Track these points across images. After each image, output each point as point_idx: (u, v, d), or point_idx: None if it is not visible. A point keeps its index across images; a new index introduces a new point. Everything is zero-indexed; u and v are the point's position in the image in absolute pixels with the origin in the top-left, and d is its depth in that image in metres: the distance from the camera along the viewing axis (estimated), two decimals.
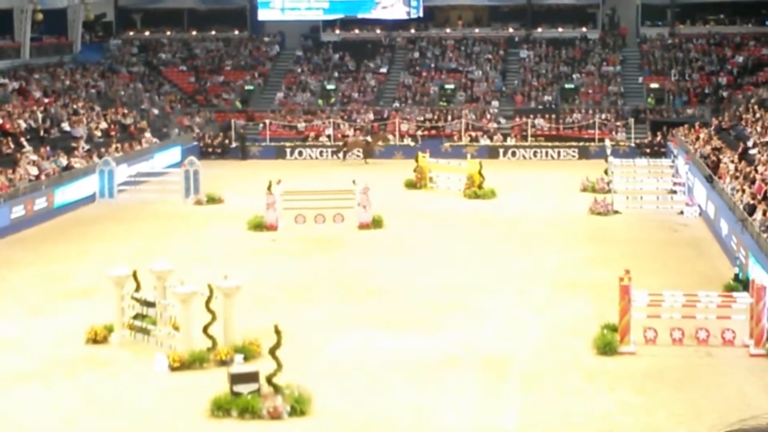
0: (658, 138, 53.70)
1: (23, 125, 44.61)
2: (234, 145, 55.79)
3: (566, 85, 60.31)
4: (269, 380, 18.31)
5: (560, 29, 65.16)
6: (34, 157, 41.18)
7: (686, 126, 51.51)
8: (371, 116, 58.04)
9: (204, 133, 56.79)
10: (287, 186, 36.59)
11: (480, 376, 20.10)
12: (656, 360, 20.94)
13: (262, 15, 64.58)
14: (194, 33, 68.02)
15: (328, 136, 56.28)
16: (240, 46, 66.57)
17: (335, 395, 18.96)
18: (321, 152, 55.11)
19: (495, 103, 59.08)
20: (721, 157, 39.76)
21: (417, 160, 44.92)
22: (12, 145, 41.69)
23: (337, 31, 66.78)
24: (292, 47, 66.82)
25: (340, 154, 52.80)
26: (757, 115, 44.04)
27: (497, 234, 34.57)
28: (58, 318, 24.44)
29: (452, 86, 61.22)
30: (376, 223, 35.51)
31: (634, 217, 37.21)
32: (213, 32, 68.00)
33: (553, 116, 56.91)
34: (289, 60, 65.58)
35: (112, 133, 50.14)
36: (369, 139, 52.37)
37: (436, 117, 57.59)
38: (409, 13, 63.27)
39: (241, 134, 56.44)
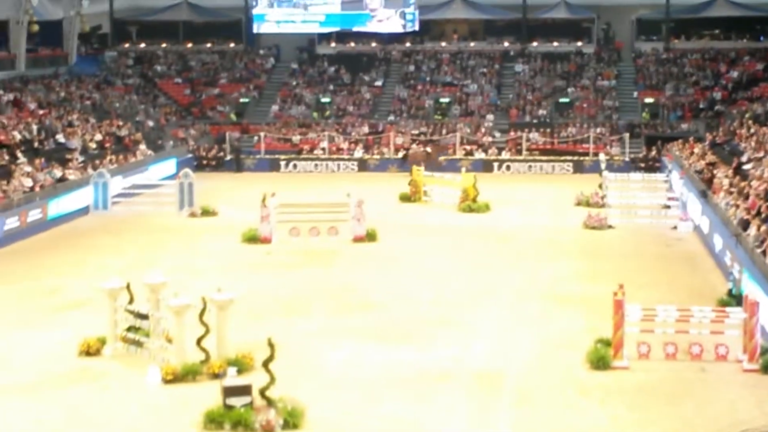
0: (653, 153, 53.77)
1: (18, 137, 44.60)
2: (229, 157, 55.80)
3: (561, 100, 60.40)
4: (262, 393, 18.28)
5: (555, 43, 65.30)
6: (29, 169, 41.14)
7: (681, 141, 51.58)
8: (366, 129, 58.10)
9: (199, 146, 56.80)
10: (282, 199, 36.57)
11: (473, 390, 20.08)
12: (649, 375, 20.93)
13: (258, 28, 64.50)
14: (190, 45, 68.08)
15: (323, 149, 56.32)
16: (235, 58, 66.65)
17: (328, 408, 18.93)
18: (316, 165, 55.16)
19: (490, 116, 59.16)
20: (715, 172, 39.81)
21: (412, 174, 44.95)
22: (6, 157, 41.65)
23: (333, 44, 66.87)
24: (287, 60, 66.90)
25: (399, 163, 52.22)
26: (752, 131, 44.12)
27: (491, 247, 34.59)
28: (51, 330, 24.40)
29: (447, 100, 61.32)
30: (371, 237, 35.50)
31: (629, 232, 37.22)
32: (208, 45, 68.08)
33: (548, 130, 56.96)
34: (284, 73, 65.66)
35: (107, 144, 50.13)
36: (429, 150, 52.23)
37: (431, 130, 57.63)
38: (404, 27, 63.27)
39: (235, 147, 56.47)
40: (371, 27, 63.34)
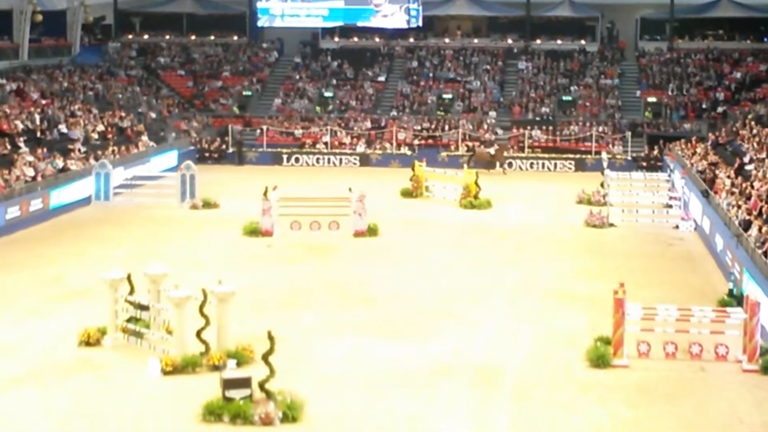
0: (655, 152, 53.77)
1: (20, 126, 44.59)
2: (231, 150, 55.83)
3: (564, 97, 60.40)
4: (262, 386, 18.28)
5: (559, 41, 65.36)
6: (31, 159, 41.16)
7: (683, 140, 51.60)
8: (368, 124, 58.08)
9: (201, 138, 56.81)
10: (283, 192, 36.56)
11: (472, 386, 20.08)
12: (649, 374, 20.93)
13: (262, 21, 64.69)
14: (193, 38, 68.14)
15: (325, 144, 56.31)
16: (239, 51, 66.65)
17: (328, 402, 18.94)
18: (318, 159, 55.16)
19: (492, 113, 59.14)
20: (717, 172, 39.82)
21: (413, 169, 44.95)
22: (9, 146, 41.66)
23: (336, 39, 66.90)
24: (290, 54, 66.90)
25: (467, 163, 52.15)
26: (754, 131, 44.14)
27: (492, 244, 34.59)
28: (52, 320, 24.40)
29: (450, 96, 61.29)
30: (372, 231, 35.50)
31: (630, 231, 37.22)
32: (212, 37, 68.11)
33: (551, 128, 56.99)
34: (287, 66, 65.65)
35: (109, 135, 50.14)
36: (492, 151, 52.14)
37: (433, 126, 57.65)
38: (408, 22, 63.37)
39: (238, 140, 56.47)
40: (375, 22, 63.52)
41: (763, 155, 38.13)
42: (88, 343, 22.23)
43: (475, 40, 66.52)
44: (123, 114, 53.97)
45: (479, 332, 23.87)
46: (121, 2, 67.71)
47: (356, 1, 63.06)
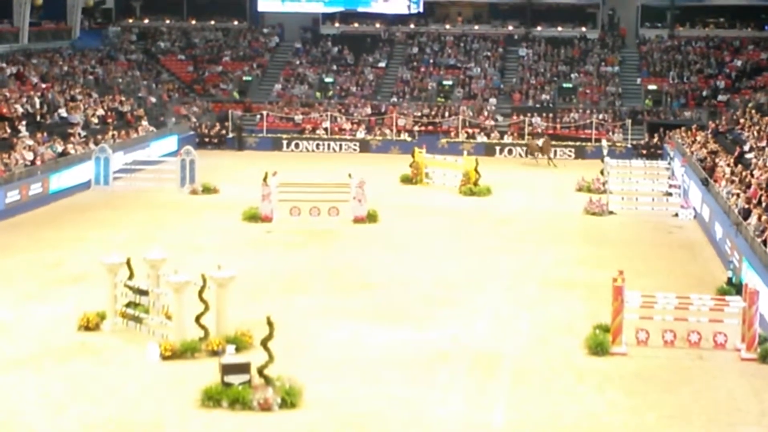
0: (655, 140, 53.75)
1: (20, 110, 44.54)
2: (231, 135, 55.79)
3: (564, 85, 60.33)
4: (260, 371, 18.31)
5: (560, 28, 65.27)
6: (31, 143, 41.13)
7: (683, 128, 51.53)
8: (368, 110, 58.03)
9: (201, 123, 56.77)
10: (283, 178, 36.55)
11: (470, 372, 20.12)
12: (647, 361, 20.96)
13: (262, 6, 64.52)
14: (193, 22, 68.01)
15: (325, 129, 56.28)
16: (239, 36, 66.55)
17: (326, 388, 18.97)
18: (318, 145, 55.14)
19: (493, 100, 59.07)
20: (717, 160, 39.80)
21: (413, 156, 44.93)
22: (8, 130, 41.63)
23: (337, 24, 66.79)
24: (291, 39, 66.78)
25: (527, 154, 52.36)
26: (754, 120, 44.10)
27: (491, 231, 34.61)
28: (51, 304, 24.43)
29: (450, 82, 61.22)
30: (371, 218, 35.53)
31: (629, 218, 37.24)
32: (212, 22, 67.99)
33: (551, 115, 56.90)
34: (287, 52, 65.56)
35: (109, 120, 50.08)
36: (539, 143, 52.10)
37: (433, 113, 57.59)
38: (409, 8, 63.24)
39: (238, 125, 56.43)
40: (376, 8, 63.40)
41: (763, 144, 38.10)
42: (87, 328, 22.26)
43: (476, 27, 66.42)
44: (123, 98, 53.90)
45: (478, 319, 23.90)
46: None
47: None
